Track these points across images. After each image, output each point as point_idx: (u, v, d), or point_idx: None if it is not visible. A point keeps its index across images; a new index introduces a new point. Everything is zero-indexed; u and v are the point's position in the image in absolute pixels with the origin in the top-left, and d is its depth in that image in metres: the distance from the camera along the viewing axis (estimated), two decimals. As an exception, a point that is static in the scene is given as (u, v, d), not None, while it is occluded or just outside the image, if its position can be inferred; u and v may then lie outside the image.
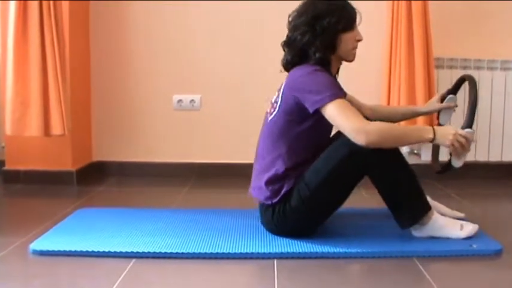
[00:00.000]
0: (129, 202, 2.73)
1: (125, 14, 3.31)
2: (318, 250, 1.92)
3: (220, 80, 3.31)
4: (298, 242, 1.98)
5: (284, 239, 2.02)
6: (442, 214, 2.12)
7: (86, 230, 2.12)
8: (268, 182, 2.02)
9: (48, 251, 1.91)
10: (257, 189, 2.08)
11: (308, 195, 1.95)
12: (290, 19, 2.08)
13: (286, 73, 2.11)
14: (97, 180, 3.18)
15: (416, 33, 3.03)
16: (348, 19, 2.04)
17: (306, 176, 1.97)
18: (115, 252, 1.90)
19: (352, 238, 2.04)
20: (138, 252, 1.89)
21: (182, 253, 1.90)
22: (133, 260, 1.85)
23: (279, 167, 2.01)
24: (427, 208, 2.02)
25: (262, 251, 1.92)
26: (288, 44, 2.08)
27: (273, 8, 3.18)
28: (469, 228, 2.03)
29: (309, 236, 2.03)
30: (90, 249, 1.90)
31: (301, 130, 2.00)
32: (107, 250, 1.91)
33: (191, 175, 3.29)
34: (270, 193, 2.02)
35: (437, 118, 2.38)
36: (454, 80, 2.36)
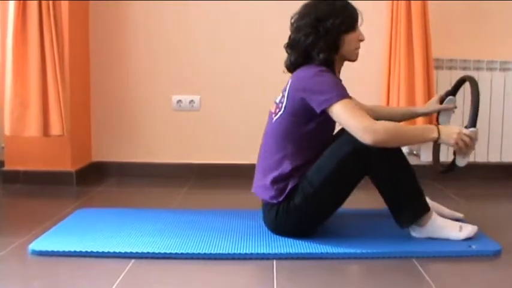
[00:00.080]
0: (128, 202, 2.73)
1: (125, 14, 3.30)
2: (317, 251, 1.92)
3: (219, 81, 3.31)
4: (298, 243, 1.98)
5: (283, 239, 2.02)
6: (441, 215, 2.12)
7: (86, 231, 2.12)
8: (274, 181, 2.02)
9: (47, 252, 1.91)
10: (261, 189, 2.08)
11: (311, 193, 1.96)
12: (292, 21, 2.08)
13: (287, 74, 2.11)
14: (96, 180, 3.18)
15: (415, 34, 3.03)
16: (350, 20, 2.05)
17: (309, 174, 1.98)
18: (114, 252, 1.90)
19: (351, 238, 2.04)
20: (137, 253, 1.89)
21: (181, 253, 1.90)
22: (133, 261, 1.85)
23: (285, 167, 2.01)
24: (426, 208, 2.03)
25: (262, 252, 1.91)
26: (291, 45, 2.08)
27: (273, 8, 3.19)
28: (468, 230, 2.03)
29: (309, 236, 2.03)
30: (89, 250, 1.90)
31: (307, 131, 2.01)
32: (106, 250, 1.91)
33: (190, 175, 3.29)
34: (275, 192, 2.02)
35: (437, 119, 2.38)
36: (454, 81, 2.36)
